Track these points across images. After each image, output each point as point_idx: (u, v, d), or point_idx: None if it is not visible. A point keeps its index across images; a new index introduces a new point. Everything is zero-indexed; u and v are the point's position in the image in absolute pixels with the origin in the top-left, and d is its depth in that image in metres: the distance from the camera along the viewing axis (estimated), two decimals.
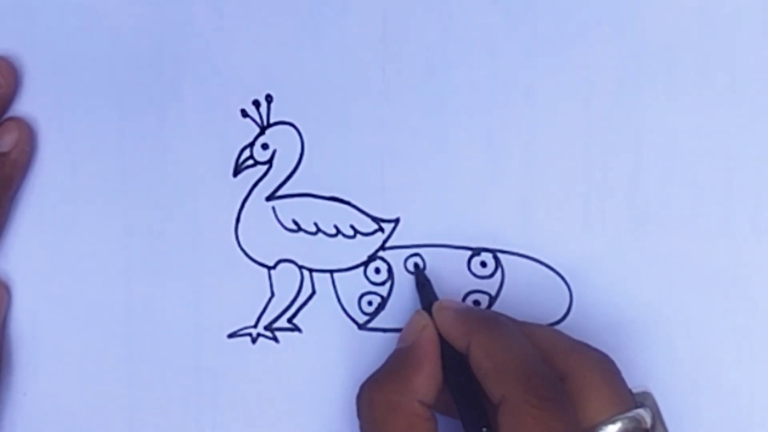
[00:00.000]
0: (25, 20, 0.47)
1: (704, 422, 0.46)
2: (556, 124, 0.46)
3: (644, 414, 0.39)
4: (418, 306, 0.45)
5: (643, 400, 0.40)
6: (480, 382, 0.40)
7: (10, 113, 0.47)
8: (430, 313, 0.43)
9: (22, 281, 0.48)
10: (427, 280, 0.45)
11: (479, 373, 0.40)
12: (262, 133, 0.47)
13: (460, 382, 0.41)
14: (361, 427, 0.41)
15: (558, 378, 0.39)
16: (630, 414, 0.39)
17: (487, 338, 0.40)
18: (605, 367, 0.40)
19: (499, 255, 0.46)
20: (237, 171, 0.47)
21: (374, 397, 0.41)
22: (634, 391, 0.40)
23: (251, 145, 0.47)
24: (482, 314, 0.43)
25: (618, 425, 0.38)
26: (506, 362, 0.39)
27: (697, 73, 0.46)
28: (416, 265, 0.46)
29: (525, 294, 0.46)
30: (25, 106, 0.47)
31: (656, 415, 0.40)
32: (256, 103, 0.47)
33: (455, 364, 0.41)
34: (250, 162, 0.47)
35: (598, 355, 0.40)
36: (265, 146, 0.47)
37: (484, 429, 0.39)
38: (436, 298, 0.44)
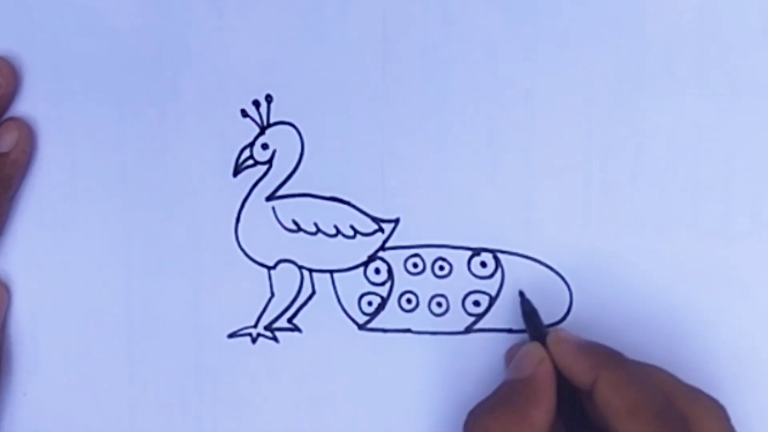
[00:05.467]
0: (25, 20, 0.47)
1: None
2: (556, 124, 0.46)
3: None
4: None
5: None
6: (606, 420, 0.39)
7: (10, 113, 0.47)
8: (538, 342, 0.43)
9: (22, 281, 0.48)
10: (534, 310, 0.45)
11: (607, 412, 0.39)
12: (262, 133, 0.47)
13: (575, 417, 0.41)
14: None
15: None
16: None
17: (618, 376, 0.40)
18: (721, 416, 0.40)
19: (499, 255, 0.46)
20: (237, 171, 0.47)
21: (490, 426, 0.40)
22: None
23: (251, 145, 0.47)
24: (608, 351, 0.42)
25: None
26: (639, 402, 0.39)
27: (697, 73, 0.46)
28: (521, 294, 0.45)
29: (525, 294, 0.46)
30: (25, 106, 0.47)
31: None
32: (256, 103, 0.47)
33: (569, 399, 0.41)
34: (250, 162, 0.47)
35: (714, 403, 0.40)
36: (265, 146, 0.47)
37: None
38: (544, 329, 0.44)
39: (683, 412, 0.39)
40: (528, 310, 0.45)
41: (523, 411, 0.40)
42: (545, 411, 0.40)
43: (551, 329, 0.43)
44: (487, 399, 0.42)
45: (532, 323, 0.44)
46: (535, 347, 0.42)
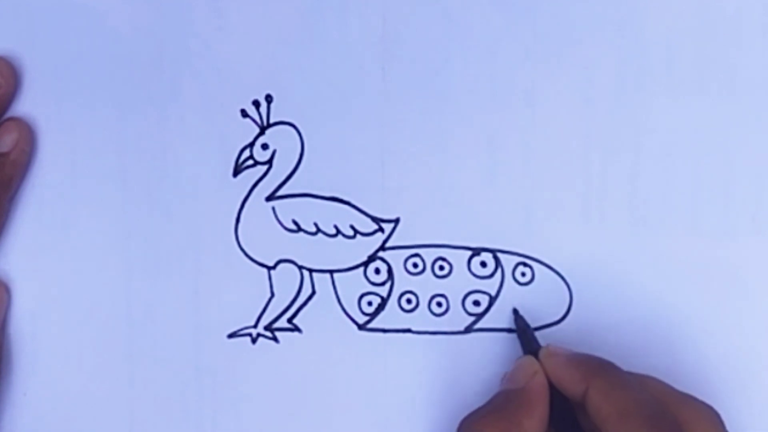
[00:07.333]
0: (25, 20, 0.47)
1: None
2: (556, 124, 0.46)
3: None
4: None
5: None
6: (599, 427, 0.40)
7: (10, 113, 0.47)
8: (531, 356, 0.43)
9: (22, 281, 0.48)
10: (528, 326, 0.45)
11: (598, 419, 0.40)
12: (262, 133, 0.47)
13: (569, 430, 0.41)
14: None
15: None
16: None
17: (607, 383, 0.40)
18: (716, 420, 0.40)
19: (499, 255, 0.46)
20: (237, 171, 0.47)
21: None
22: None
23: (251, 145, 0.47)
24: (597, 360, 0.42)
25: None
26: (630, 407, 0.39)
27: (697, 72, 0.46)
28: (515, 311, 0.46)
29: (525, 294, 0.46)
30: (25, 106, 0.47)
31: None
32: (256, 103, 0.47)
33: (562, 412, 0.41)
34: (250, 162, 0.47)
35: (707, 408, 0.40)
36: (265, 146, 0.47)
37: None
38: (538, 345, 0.44)
39: (677, 418, 0.39)
40: (522, 326, 0.45)
41: (515, 420, 0.41)
42: (538, 421, 0.41)
43: (544, 345, 0.44)
44: (481, 407, 0.42)
45: (525, 339, 0.45)
46: (529, 360, 0.43)
